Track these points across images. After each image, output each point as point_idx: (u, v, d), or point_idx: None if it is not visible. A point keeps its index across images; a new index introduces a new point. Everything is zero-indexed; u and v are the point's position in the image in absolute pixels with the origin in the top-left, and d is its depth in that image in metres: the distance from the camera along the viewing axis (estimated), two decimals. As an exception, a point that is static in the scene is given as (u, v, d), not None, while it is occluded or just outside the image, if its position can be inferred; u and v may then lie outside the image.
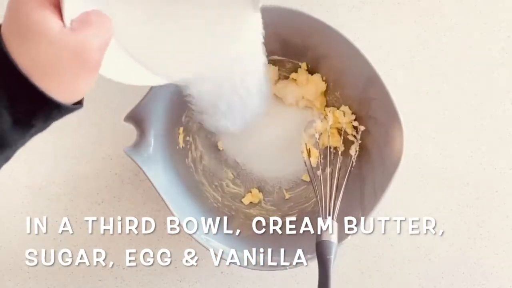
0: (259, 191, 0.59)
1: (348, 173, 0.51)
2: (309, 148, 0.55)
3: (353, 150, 0.53)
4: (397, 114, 0.47)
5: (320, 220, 0.44)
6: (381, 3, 0.63)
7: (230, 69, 0.34)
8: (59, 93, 0.26)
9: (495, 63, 0.63)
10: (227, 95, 0.36)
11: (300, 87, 0.57)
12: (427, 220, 0.61)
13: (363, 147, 0.55)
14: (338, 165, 0.51)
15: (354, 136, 0.55)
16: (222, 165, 0.59)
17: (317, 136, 0.54)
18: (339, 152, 0.53)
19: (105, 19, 0.26)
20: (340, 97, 0.57)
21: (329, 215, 0.45)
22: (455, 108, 0.62)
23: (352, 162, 0.52)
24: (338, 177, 0.50)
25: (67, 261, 0.61)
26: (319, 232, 0.43)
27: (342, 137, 0.54)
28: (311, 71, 0.57)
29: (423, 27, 0.63)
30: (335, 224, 0.44)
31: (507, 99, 0.62)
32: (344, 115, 0.55)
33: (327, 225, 0.43)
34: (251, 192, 0.59)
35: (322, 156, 0.57)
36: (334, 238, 0.42)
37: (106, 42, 0.27)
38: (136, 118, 0.47)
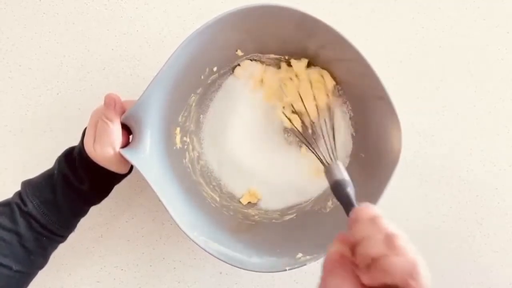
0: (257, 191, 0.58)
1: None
2: (289, 117, 0.55)
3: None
4: (395, 112, 0.46)
5: (330, 164, 0.43)
6: (379, 0, 0.62)
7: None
8: (122, 171, 0.49)
9: (494, 60, 0.62)
10: None
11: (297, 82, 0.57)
12: (426, 218, 0.61)
13: (361, 146, 0.54)
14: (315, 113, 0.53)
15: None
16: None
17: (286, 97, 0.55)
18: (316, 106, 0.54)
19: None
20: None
21: (332, 160, 0.44)
22: (454, 105, 0.62)
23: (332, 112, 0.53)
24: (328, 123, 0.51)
25: (65, 263, 0.60)
26: (332, 176, 0.42)
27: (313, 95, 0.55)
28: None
29: (421, 24, 0.62)
30: (341, 164, 0.43)
31: (506, 95, 0.62)
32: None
33: (336, 166, 0.42)
34: (249, 191, 0.58)
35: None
36: (346, 176, 0.42)
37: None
38: (133, 118, 0.47)
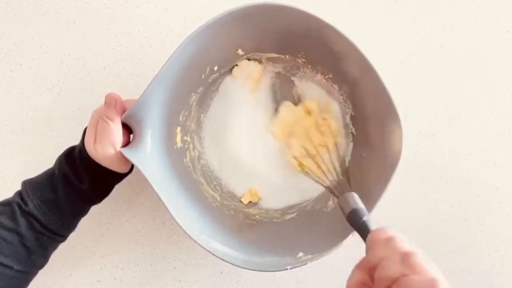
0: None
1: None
2: (299, 162, 0.56)
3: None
4: (396, 111, 0.46)
5: (345, 195, 0.44)
6: (379, 0, 0.62)
7: None
8: (123, 170, 0.49)
9: (495, 59, 0.62)
10: None
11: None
12: (426, 218, 0.61)
13: (362, 145, 0.54)
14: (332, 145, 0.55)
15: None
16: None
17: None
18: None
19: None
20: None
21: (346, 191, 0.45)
22: (455, 104, 0.62)
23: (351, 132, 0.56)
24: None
25: (65, 263, 0.60)
26: (348, 207, 0.42)
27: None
28: (309, 66, 0.57)
29: (422, 23, 0.62)
30: (356, 195, 0.44)
31: (507, 94, 0.62)
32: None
33: (351, 196, 0.43)
34: (250, 191, 0.58)
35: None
36: (361, 205, 0.42)
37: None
38: (134, 118, 0.47)
